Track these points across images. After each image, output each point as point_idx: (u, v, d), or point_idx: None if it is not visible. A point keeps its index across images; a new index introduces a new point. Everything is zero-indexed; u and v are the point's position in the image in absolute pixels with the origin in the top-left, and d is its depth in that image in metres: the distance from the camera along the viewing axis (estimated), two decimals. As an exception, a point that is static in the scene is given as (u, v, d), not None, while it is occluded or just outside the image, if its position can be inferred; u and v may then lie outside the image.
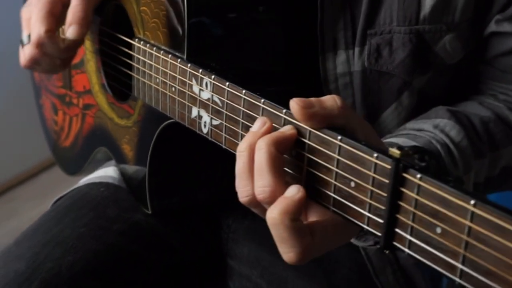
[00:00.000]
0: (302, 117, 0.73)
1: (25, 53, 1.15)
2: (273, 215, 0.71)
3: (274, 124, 0.78)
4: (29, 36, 1.13)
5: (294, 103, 0.73)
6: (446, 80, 1.07)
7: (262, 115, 0.80)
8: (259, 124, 0.77)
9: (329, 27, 1.02)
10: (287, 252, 0.72)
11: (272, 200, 0.72)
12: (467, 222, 0.58)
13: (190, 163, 1.18)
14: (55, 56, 1.15)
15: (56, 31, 1.13)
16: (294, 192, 0.72)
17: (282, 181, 0.73)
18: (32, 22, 1.12)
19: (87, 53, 1.28)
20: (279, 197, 0.72)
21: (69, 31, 1.10)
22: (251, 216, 0.81)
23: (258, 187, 0.73)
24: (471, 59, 1.07)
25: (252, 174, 0.74)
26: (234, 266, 1.21)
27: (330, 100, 0.74)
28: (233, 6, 1.02)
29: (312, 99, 0.74)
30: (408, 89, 1.04)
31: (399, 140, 0.93)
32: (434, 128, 0.96)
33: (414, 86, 1.04)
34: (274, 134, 0.75)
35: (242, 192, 0.76)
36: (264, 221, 0.74)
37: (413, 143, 0.92)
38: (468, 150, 0.95)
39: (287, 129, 0.76)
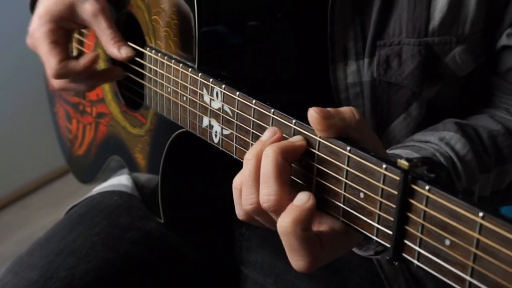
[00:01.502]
0: (321, 127, 0.72)
1: (52, 84, 1.18)
2: (285, 223, 0.71)
3: (283, 135, 0.78)
4: None
5: (314, 112, 0.71)
6: (456, 92, 1.07)
7: (272, 125, 0.80)
8: (269, 134, 0.77)
9: (339, 37, 1.02)
10: (297, 260, 0.72)
11: (277, 208, 0.72)
12: (476, 235, 0.57)
13: (202, 172, 1.18)
14: (79, 78, 1.16)
15: (66, 57, 1.13)
16: (304, 200, 0.72)
17: (287, 190, 0.73)
18: (42, 56, 1.13)
19: (100, 61, 1.28)
20: (285, 205, 0.72)
21: (124, 52, 1.10)
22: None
23: (264, 195, 0.73)
24: (483, 71, 1.06)
25: (258, 182, 0.74)
26: (248, 274, 1.21)
27: (349, 112, 0.73)
28: (244, 16, 1.02)
29: (330, 109, 0.73)
30: (417, 100, 1.03)
31: (403, 151, 0.93)
32: (439, 140, 0.95)
33: (423, 97, 1.04)
34: (283, 143, 0.74)
35: (247, 199, 0.76)
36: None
37: (417, 155, 0.92)
38: (473, 164, 0.95)
39: (296, 140, 0.75)
